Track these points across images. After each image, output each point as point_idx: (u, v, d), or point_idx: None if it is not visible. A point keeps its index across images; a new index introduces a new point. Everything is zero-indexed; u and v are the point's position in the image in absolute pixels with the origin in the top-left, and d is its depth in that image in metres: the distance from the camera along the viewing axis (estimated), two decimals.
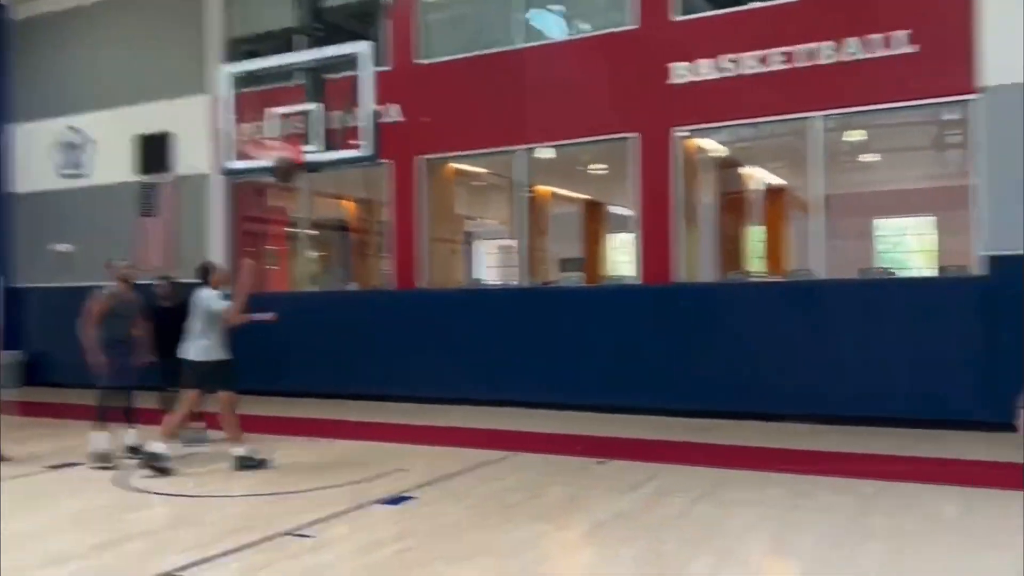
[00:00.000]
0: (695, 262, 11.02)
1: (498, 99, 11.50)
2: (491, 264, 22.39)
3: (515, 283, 12.01)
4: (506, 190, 13.44)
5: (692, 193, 11.18)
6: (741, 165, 14.29)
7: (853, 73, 9.54)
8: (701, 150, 12.00)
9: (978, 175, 9.05)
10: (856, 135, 12.25)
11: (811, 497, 6.36)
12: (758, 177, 15.16)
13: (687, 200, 10.94)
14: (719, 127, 10.90)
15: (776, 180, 15.31)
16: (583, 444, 8.64)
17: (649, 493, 6.50)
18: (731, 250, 13.82)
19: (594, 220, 17.81)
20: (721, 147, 12.81)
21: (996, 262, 8.65)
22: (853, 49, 9.55)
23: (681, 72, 10.40)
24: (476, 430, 9.56)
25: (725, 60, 10.17)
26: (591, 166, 14.59)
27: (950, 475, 7.03)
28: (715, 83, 10.24)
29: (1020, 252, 8.48)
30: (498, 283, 16.03)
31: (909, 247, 19.28)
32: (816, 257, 10.04)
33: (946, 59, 9.12)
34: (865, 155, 14.27)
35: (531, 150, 11.65)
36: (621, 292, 11.09)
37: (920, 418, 8.86)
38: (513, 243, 12.65)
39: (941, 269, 10.41)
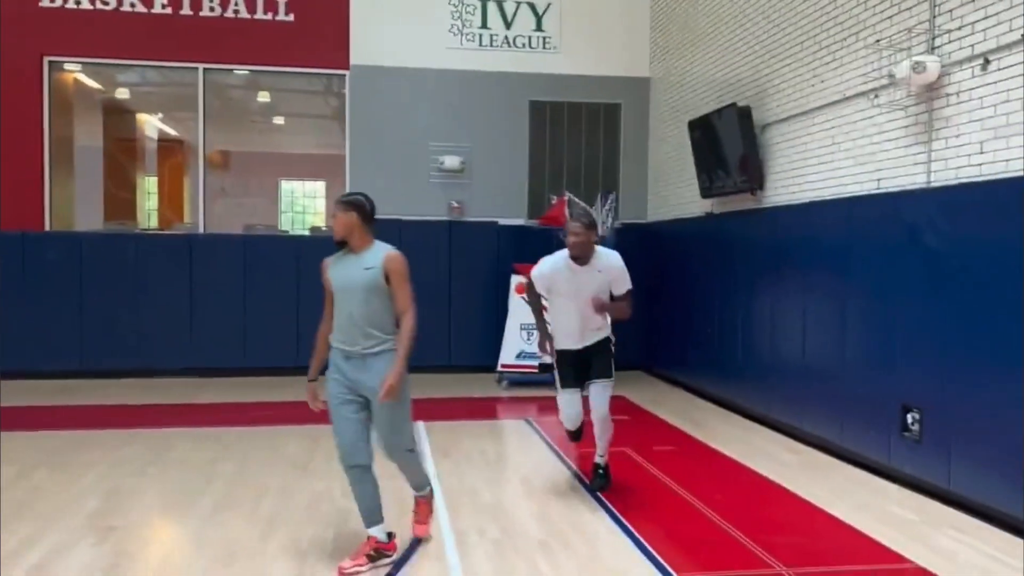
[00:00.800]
0: (70, 209, 10.03)
1: None
2: None
3: None
4: None
5: (68, 131, 10.15)
6: (136, 111, 13.47)
7: (236, 31, 9.67)
8: (84, 86, 10.96)
9: (346, 146, 10.01)
10: (264, 96, 12.49)
11: (172, 450, 6.30)
12: (154, 125, 14.48)
13: (62, 139, 9.90)
14: (101, 64, 10.10)
15: (174, 131, 14.81)
16: None
17: None
18: (119, 199, 12.92)
19: None
20: (113, 89, 11.89)
21: None
22: (236, 7, 9.68)
23: None
24: None
25: None
26: None
27: (301, 417, 7.62)
28: (91, 14, 9.41)
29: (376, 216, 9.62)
30: None
31: (311, 208, 20.66)
32: (200, 211, 10.01)
33: (324, 34, 9.83)
34: (277, 118, 14.67)
35: None
36: None
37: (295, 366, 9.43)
38: None
39: (313, 228, 11.32)
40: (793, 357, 6.79)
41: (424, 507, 4.38)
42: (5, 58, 9.26)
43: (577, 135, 10.36)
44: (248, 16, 9.72)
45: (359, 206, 3.99)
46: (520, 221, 10.03)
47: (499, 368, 9.24)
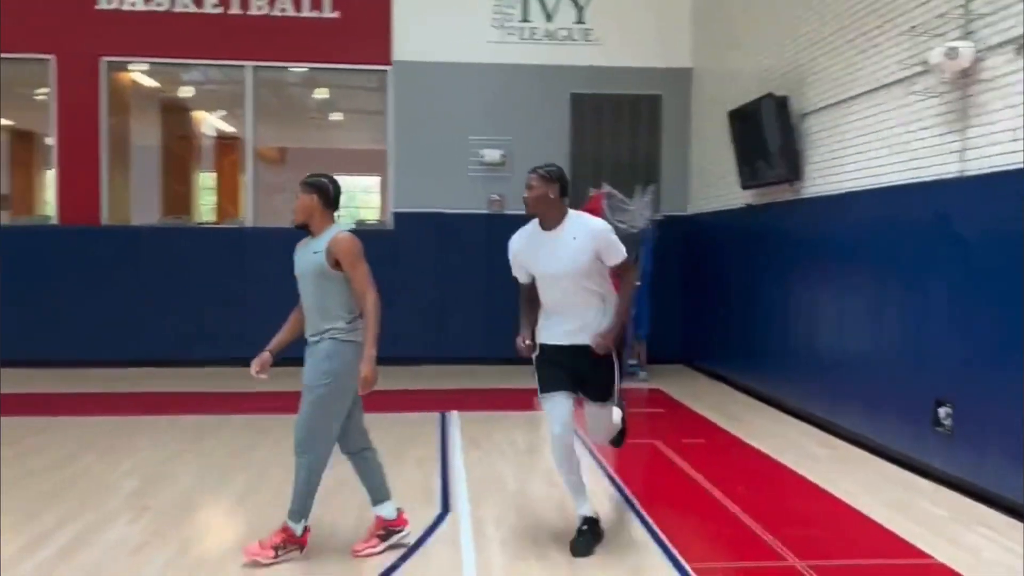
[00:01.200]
0: (125, 203, 10.41)
1: None
2: None
3: None
4: None
5: (125, 129, 10.54)
6: (193, 109, 13.90)
7: (283, 29, 9.88)
8: (139, 85, 11.35)
9: (389, 141, 10.15)
10: (321, 93, 12.72)
11: (212, 436, 6.53)
12: (211, 123, 14.92)
13: (119, 137, 10.29)
14: (154, 63, 10.47)
15: (232, 129, 15.21)
16: None
17: (29, 448, 6.01)
18: (177, 194, 13.37)
19: (26, 152, 15.69)
20: (171, 88, 12.33)
21: (400, 218, 9.84)
22: (283, 6, 9.89)
23: None
24: None
25: None
26: (38, 91, 12.70)
27: None
28: (146, 15, 9.73)
29: (418, 209, 9.77)
30: None
31: (365, 203, 21.02)
32: (250, 206, 10.30)
33: (367, 30, 9.98)
34: (334, 114, 14.96)
35: None
36: (33, 233, 9.98)
37: None
38: None
39: (359, 222, 11.50)
40: (829, 350, 6.69)
41: (279, 535, 3.89)
42: (64, 60, 9.65)
43: (618, 127, 10.32)
44: (294, 14, 9.93)
45: (320, 188, 3.87)
46: None
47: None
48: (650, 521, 4.54)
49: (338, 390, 3.85)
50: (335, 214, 3.98)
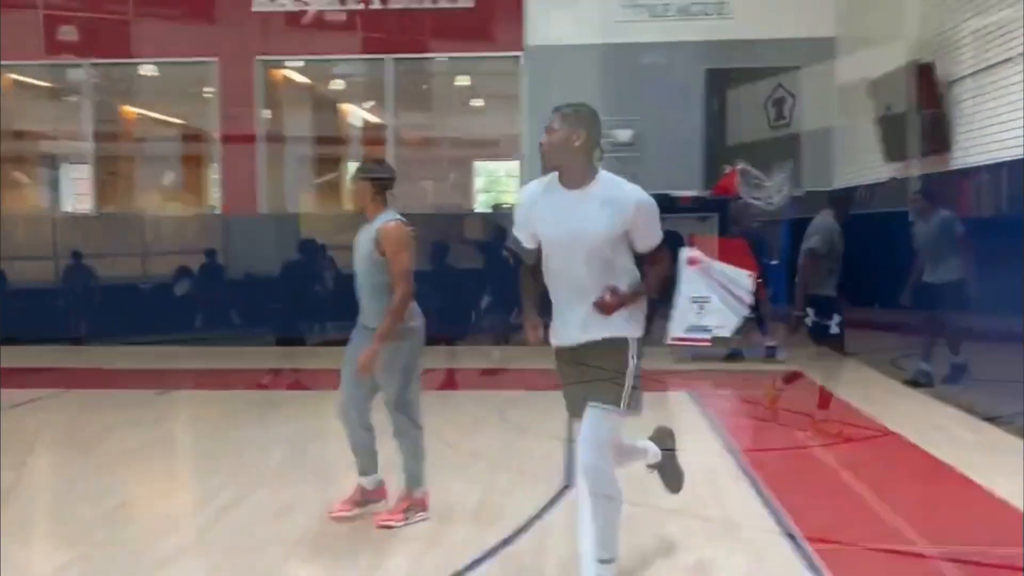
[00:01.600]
0: (280, 193, 11.14)
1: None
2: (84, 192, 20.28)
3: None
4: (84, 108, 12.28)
5: (279, 123, 11.27)
6: (340, 101, 14.59)
7: (422, 20, 10.25)
8: (291, 81, 12.07)
9: (522, 125, 10.32)
10: (463, 80, 13.09)
11: None
12: (358, 115, 15.58)
13: (274, 130, 11.02)
14: (305, 59, 11.09)
15: (375, 119, 15.83)
16: (146, 378, 8.50)
17: (198, 417, 6.67)
18: (328, 182, 14.11)
19: (195, 147, 16.98)
20: (320, 82, 13.00)
21: None
22: None
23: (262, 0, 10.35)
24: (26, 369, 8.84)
25: None
26: (206, 89, 13.81)
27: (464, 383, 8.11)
28: (295, 16, 10.35)
29: None
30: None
31: (507, 187, 21.39)
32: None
33: (501, 17, 10.19)
34: (475, 100, 15.32)
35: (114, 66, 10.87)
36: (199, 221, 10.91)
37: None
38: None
39: (495, 206, 11.77)
40: (979, 329, 6.34)
41: (404, 502, 4.17)
42: (224, 61, 10.43)
43: (755, 102, 10.03)
44: (432, 5, 10.24)
45: (372, 175, 3.99)
46: (693, 193, 9.91)
47: (668, 341, 9.22)
48: (772, 500, 4.49)
49: (407, 372, 4.10)
50: (387, 200, 4.07)
